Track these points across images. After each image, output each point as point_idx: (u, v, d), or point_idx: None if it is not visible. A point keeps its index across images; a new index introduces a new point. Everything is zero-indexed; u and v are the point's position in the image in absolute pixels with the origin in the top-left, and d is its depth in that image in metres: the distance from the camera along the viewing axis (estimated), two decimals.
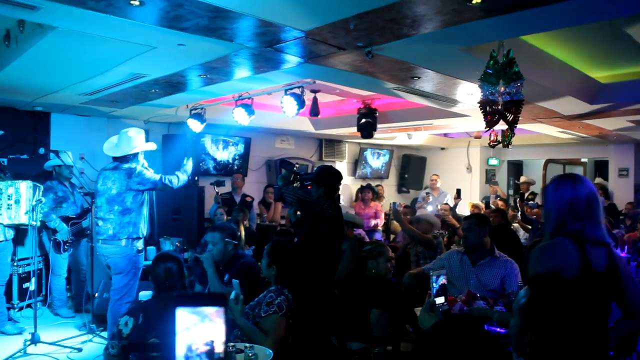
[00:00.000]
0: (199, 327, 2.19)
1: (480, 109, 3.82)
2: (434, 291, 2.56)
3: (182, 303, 2.34)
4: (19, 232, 5.93)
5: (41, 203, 5.10)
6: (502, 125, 3.89)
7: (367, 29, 3.43)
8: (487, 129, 3.80)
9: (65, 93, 5.86)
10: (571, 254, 2.26)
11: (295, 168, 4.37)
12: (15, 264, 6.06)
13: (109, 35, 3.77)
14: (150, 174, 4.95)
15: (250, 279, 3.77)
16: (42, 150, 5.95)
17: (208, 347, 2.20)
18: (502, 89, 3.62)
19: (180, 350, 2.22)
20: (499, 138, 3.97)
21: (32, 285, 6.10)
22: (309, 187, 4.20)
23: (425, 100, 6.22)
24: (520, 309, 1.68)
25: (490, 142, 4.06)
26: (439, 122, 8.16)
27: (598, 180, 10.93)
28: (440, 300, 2.54)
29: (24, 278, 6.21)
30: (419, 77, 4.95)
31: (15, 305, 6.09)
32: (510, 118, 3.67)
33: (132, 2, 3.02)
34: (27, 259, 6.19)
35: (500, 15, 3.14)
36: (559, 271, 2.16)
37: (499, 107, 3.66)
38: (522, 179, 11.01)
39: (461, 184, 11.43)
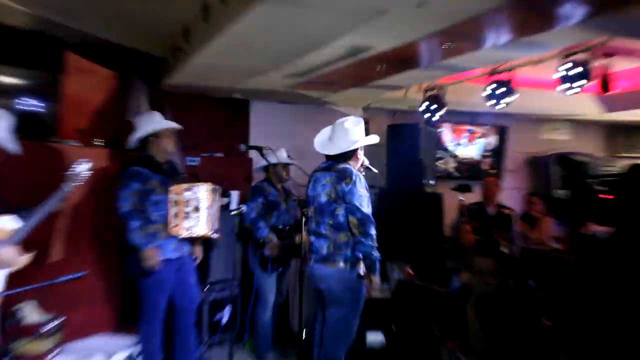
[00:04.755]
0: None
1: None
2: None
3: None
4: (210, 248, 6.41)
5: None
6: None
7: None
8: None
9: (270, 75, 6.39)
10: None
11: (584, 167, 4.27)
12: (206, 288, 6.39)
13: (330, 3, 4.07)
14: (363, 200, 4.80)
15: None
16: (243, 147, 6.34)
17: None
18: None
19: None
20: None
21: (224, 316, 6.56)
22: (599, 196, 4.09)
23: None
24: None
25: None
26: None
27: None
28: None
29: (216, 307, 6.55)
30: None
31: (204, 342, 6.33)
32: None
33: None
34: (221, 281, 6.63)
35: None
36: None
37: None
38: None
39: None
